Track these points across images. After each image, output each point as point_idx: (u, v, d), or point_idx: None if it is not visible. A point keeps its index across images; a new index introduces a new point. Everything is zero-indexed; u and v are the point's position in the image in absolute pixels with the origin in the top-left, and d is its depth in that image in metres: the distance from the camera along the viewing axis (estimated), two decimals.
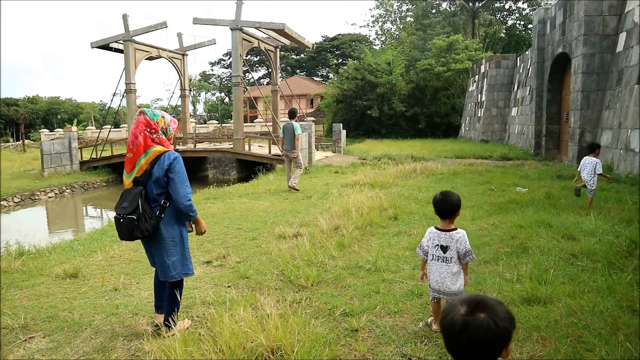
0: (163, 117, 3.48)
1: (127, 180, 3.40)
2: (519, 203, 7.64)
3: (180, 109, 26.10)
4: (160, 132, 3.42)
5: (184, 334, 3.29)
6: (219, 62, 65.95)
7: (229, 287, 4.55)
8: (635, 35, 11.49)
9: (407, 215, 7.32)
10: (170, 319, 3.50)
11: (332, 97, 36.16)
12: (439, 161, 16.03)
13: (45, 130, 44.50)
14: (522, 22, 44.26)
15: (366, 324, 3.55)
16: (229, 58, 65.72)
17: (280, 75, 24.50)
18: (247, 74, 66.30)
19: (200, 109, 72.37)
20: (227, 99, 64.44)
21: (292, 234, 6.42)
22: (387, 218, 7.13)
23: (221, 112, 59.49)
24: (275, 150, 17.57)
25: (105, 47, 21.61)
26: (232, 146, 19.21)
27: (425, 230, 3.60)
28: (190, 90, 68.97)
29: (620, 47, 12.29)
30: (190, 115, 67.17)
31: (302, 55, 66.42)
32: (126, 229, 3.27)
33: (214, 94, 68.74)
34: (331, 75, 53.17)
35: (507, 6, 45.22)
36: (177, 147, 21.09)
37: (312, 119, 32.18)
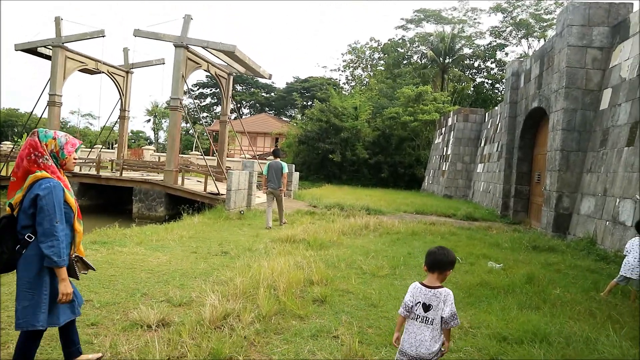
0: (55, 138, 3.01)
1: (7, 207, 2.96)
2: (494, 288, 5.59)
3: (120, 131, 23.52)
4: (47, 155, 2.93)
5: None
6: (187, 91, 63.77)
7: None
8: (624, 92, 10.08)
9: (339, 297, 5.11)
10: None
11: (295, 138, 34.43)
12: (397, 216, 14.06)
13: None
14: (490, 81, 44.41)
15: None
16: (198, 88, 63.66)
17: (232, 105, 22.43)
18: (215, 107, 64.44)
19: (163, 136, 70.07)
20: (191, 130, 62.19)
21: (156, 322, 4.11)
22: (311, 300, 4.90)
23: (184, 142, 57.26)
24: (212, 187, 15.21)
25: (33, 51, 19.09)
26: (162, 178, 16.62)
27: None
28: (155, 116, 66.58)
29: (604, 105, 10.87)
30: (150, 143, 64.29)
31: (272, 94, 65.31)
32: None
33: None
34: (299, 116, 51.90)
35: (476, 64, 45.47)
36: (101, 174, 18.27)
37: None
